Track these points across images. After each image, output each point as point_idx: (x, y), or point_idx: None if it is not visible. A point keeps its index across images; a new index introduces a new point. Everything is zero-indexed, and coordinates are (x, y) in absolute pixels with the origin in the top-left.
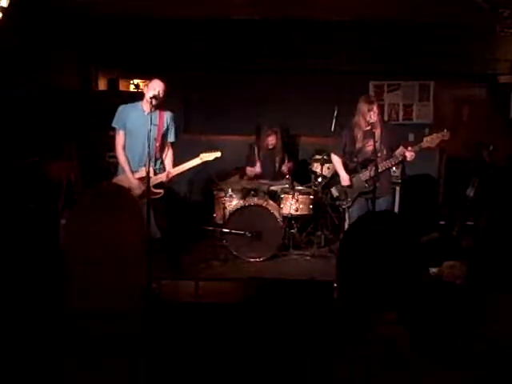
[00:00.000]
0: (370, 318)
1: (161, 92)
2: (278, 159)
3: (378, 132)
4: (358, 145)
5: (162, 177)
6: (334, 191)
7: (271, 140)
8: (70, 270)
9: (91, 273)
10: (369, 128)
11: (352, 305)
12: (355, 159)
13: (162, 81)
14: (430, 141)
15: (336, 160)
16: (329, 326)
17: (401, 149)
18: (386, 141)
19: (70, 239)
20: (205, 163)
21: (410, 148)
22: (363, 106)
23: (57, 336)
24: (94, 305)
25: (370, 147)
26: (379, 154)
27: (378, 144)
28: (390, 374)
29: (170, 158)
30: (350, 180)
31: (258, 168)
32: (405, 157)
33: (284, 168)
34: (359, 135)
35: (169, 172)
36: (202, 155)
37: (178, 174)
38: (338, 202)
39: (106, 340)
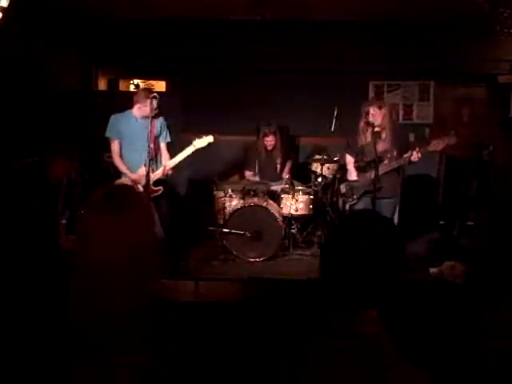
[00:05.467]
0: (352, 315)
1: (154, 102)
2: (278, 160)
3: (384, 133)
4: (368, 145)
5: (160, 173)
6: (343, 188)
7: (270, 140)
8: (76, 271)
9: (99, 275)
10: (378, 129)
11: (334, 302)
12: (364, 159)
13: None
14: (436, 144)
15: (348, 160)
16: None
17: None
18: (395, 142)
19: (77, 241)
20: (200, 151)
21: (416, 149)
22: (363, 108)
23: (58, 336)
24: (100, 306)
25: (378, 148)
26: (388, 155)
27: (387, 145)
28: (370, 373)
29: (166, 159)
30: (358, 175)
31: (255, 176)
32: (410, 158)
33: (285, 173)
34: (367, 136)
35: (165, 166)
36: (194, 142)
37: (175, 167)
38: (343, 199)
39: (107, 340)
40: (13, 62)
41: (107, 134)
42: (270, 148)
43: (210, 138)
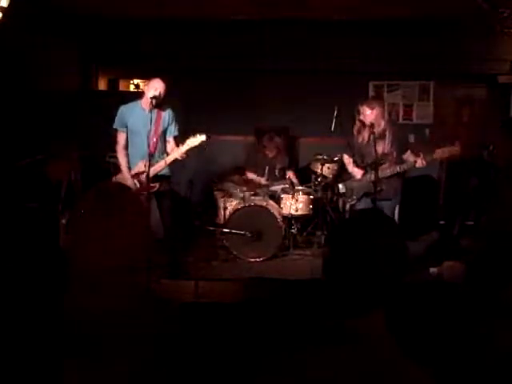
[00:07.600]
0: (358, 316)
1: (161, 92)
2: (278, 167)
3: (380, 133)
4: (365, 146)
5: (156, 168)
6: (341, 187)
7: (270, 150)
8: (72, 270)
9: (94, 273)
10: (374, 130)
11: (338, 303)
12: (364, 160)
13: (163, 80)
14: (441, 153)
15: (347, 160)
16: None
17: (409, 154)
18: (395, 143)
19: (71, 240)
20: (200, 151)
21: (422, 157)
22: (358, 108)
23: (57, 336)
24: (96, 305)
25: (378, 149)
26: (389, 158)
27: (386, 147)
28: (374, 373)
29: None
30: (362, 175)
31: (263, 180)
32: (414, 165)
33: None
34: (364, 135)
35: (165, 161)
36: (188, 140)
37: (176, 166)
38: (342, 198)
39: (106, 340)
40: (13, 62)
41: (114, 126)
42: (270, 156)
43: (202, 137)
